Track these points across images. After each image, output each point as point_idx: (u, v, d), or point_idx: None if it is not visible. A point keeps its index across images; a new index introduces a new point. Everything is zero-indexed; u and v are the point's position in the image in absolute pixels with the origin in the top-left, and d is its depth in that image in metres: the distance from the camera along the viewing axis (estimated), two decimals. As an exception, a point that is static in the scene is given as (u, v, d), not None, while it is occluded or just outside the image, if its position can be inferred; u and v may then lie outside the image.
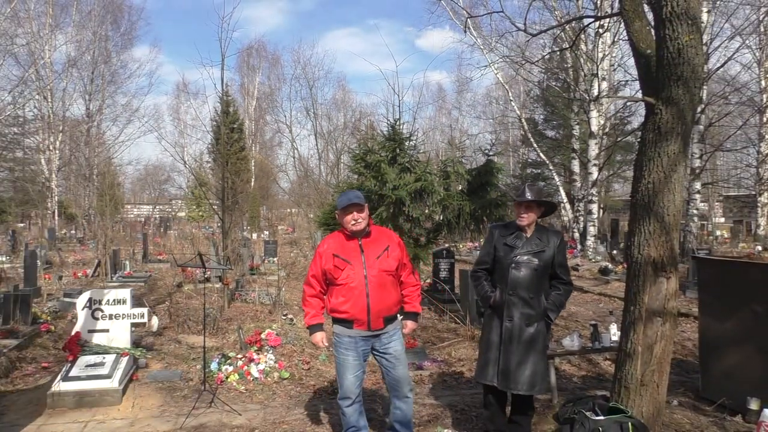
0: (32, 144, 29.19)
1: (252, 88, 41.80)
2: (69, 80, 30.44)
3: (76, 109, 35.56)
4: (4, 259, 15.92)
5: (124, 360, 5.90)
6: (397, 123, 8.75)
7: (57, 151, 29.10)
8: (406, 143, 8.66)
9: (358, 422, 4.07)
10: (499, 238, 4.14)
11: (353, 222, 3.90)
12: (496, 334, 4.02)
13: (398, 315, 4.11)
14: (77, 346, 5.90)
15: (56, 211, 28.47)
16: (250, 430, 4.75)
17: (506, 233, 4.14)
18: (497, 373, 3.97)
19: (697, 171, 16.32)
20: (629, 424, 3.99)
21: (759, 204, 21.76)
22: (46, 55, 28.55)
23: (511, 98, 23.47)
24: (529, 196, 3.99)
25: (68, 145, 31.13)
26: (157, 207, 39.21)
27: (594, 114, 17.83)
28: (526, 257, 4.00)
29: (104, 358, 5.84)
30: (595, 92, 17.63)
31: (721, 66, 16.47)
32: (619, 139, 21.52)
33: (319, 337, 4.04)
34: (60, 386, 5.35)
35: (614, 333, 5.47)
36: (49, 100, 29.00)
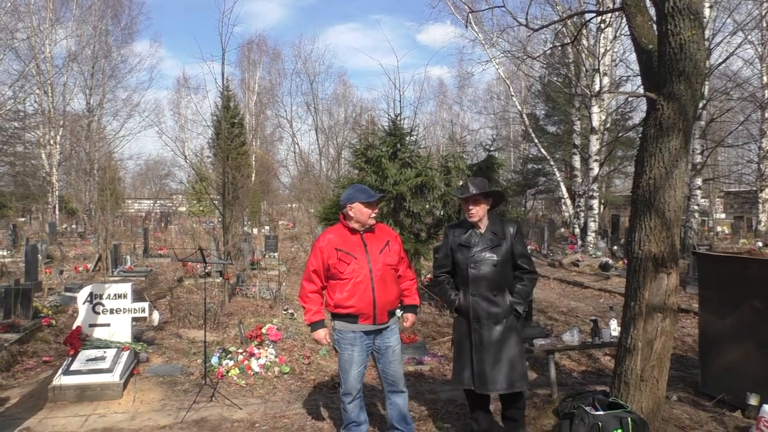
0: (33, 139, 29.17)
1: (253, 83, 41.77)
2: (69, 75, 30.49)
3: (76, 103, 35.62)
4: (5, 253, 15.94)
5: (125, 354, 5.92)
6: (398, 118, 8.75)
7: (57, 146, 29.10)
8: (407, 138, 8.66)
9: (359, 417, 4.09)
10: (453, 239, 4.02)
11: (374, 216, 3.94)
12: (467, 336, 3.92)
13: (397, 310, 4.12)
14: (78, 340, 5.92)
15: (57, 205, 28.47)
16: (251, 424, 4.76)
17: (460, 233, 4.01)
18: (473, 376, 3.87)
19: (698, 167, 16.30)
20: (629, 419, 4.00)
21: (760, 200, 21.73)
22: (47, 50, 28.52)
23: (513, 93, 23.43)
24: (473, 190, 3.87)
25: (69, 140, 31.13)
26: (158, 202, 39.19)
27: (595, 109, 17.80)
28: (483, 254, 3.88)
29: (105, 352, 5.85)
30: (597, 87, 17.59)
31: (723, 61, 16.42)
32: (620, 134, 21.50)
33: (323, 333, 4.03)
34: (61, 380, 5.37)
35: (614, 328, 5.48)
36: (50, 94, 28.99)
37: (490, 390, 3.85)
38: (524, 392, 4.18)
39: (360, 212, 3.93)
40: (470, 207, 3.92)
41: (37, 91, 28.06)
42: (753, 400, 4.51)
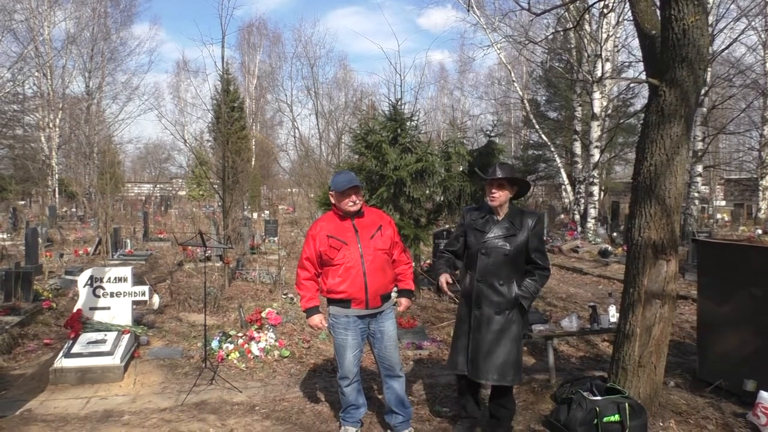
0: (32, 121, 29.07)
1: (252, 67, 41.51)
2: (68, 57, 30.27)
3: (75, 86, 35.43)
4: (5, 236, 15.95)
5: (126, 337, 5.94)
6: (399, 103, 8.71)
7: (57, 129, 28.98)
8: (408, 123, 8.63)
9: (357, 400, 4.12)
10: (470, 222, 3.98)
11: (351, 204, 3.91)
12: (466, 322, 3.91)
13: (392, 294, 4.13)
14: (79, 323, 5.94)
15: (57, 189, 28.44)
16: (251, 407, 4.79)
17: (477, 217, 3.97)
18: (467, 361, 3.86)
19: (699, 154, 16.27)
20: (626, 404, 4.04)
21: (760, 187, 21.73)
22: (45, 32, 28.33)
23: (514, 79, 23.32)
24: (499, 173, 3.81)
25: (68, 123, 31.00)
26: (158, 186, 39.13)
27: (597, 95, 17.73)
28: (496, 242, 3.82)
29: (106, 335, 5.88)
30: (599, 73, 17.50)
31: (726, 48, 16.34)
32: (621, 121, 21.40)
33: (317, 319, 4.06)
34: (62, 363, 5.40)
35: (613, 315, 5.50)
36: (49, 77, 28.83)
37: (481, 379, 3.83)
38: (514, 401, 4.16)
39: (337, 200, 3.96)
40: (493, 191, 3.86)
41: (36, 74, 27.88)
42: (750, 386, 4.54)
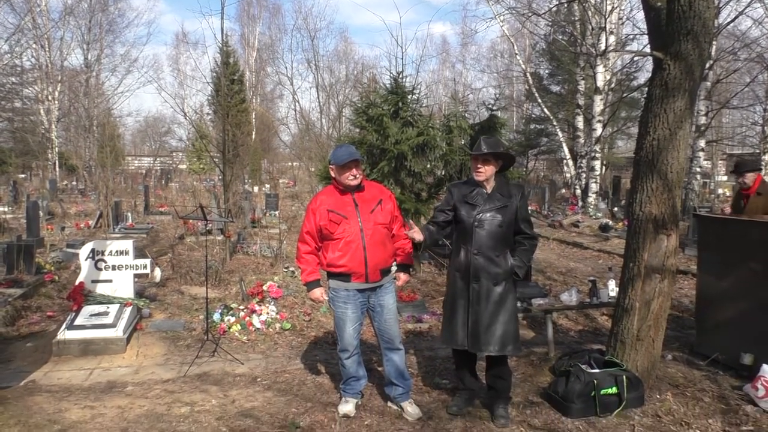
0: (31, 94, 28.87)
1: (252, 39, 41.01)
2: (66, 29, 29.96)
3: (74, 58, 35.08)
4: (6, 209, 15.98)
5: (128, 310, 5.99)
6: (400, 76, 8.63)
7: (56, 102, 28.80)
8: (409, 97, 8.57)
9: (357, 372, 4.17)
10: (459, 197, 3.95)
11: (351, 177, 3.90)
12: (463, 296, 3.91)
13: (392, 268, 4.14)
14: (81, 296, 5.98)
15: (57, 162, 28.38)
16: (253, 379, 4.84)
17: (466, 191, 3.95)
18: (467, 335, 3.87)
19: (702, 128, 16.16)
20: (624, 377, 4.08)
21: (763, 162, 21.64)
22: (42, 3, 27.98)
23: (517, 52, 23.08)
24: (485, 148, 3.82)
25: (67, 96, 30.78)
26: (158, 159, 39.04)
27: (600, 69, 17.55)
28: (489, 215, 3.83)
29: (108, 307, 5.92)
30: (603, 46, 17.28)
31: (732, 21, 16.07)
32: (624, 95, 21.22)
33: (318, 292, 4.09)
34: (65, 335, 5.45)
35: (612, 289, 5.52)
36: (47, 49, 28.56)
37: (482, 351, 3.85)
38: (511, 372, 4.18)
39: (337, 174, 3.95)
40: (479, 165, 3.87)
41: (34, 46, 27.59)
42: (747, 360, 4.58)
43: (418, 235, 3.77)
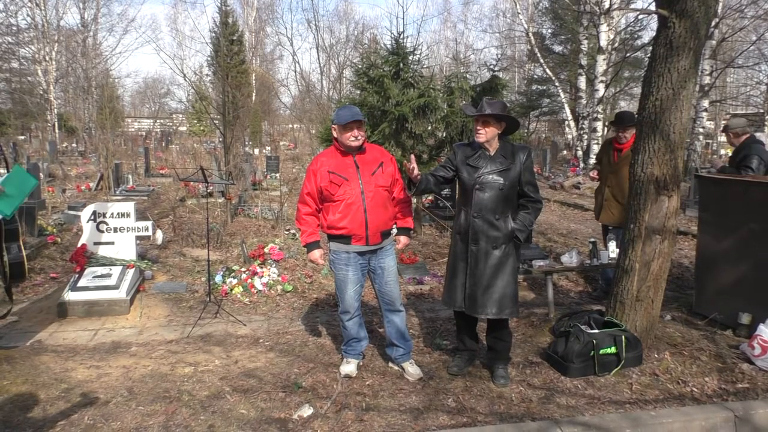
0: (27, 54, 28.50)
1: (251, -2, 40.27)
2: (61, -15, 29.36)
3: (70, 17, 34.48)
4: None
5: (131, 272, 6.03)
6: (401, 37, 8.49)
7: (53, 62, 28.45)
8: (410, 58, 8.44)
9: (358, 333, 4.21)
10: (462, 159, 3.92)
11: (353, 138, 3.86)
12: (462, 258, 3.91)
13: (392, 231, 4.15)
14: (84, 258, 6.01)
15: (56, 124, 28.20)
16: (255, 340, 4.91)
17: (470, 153, 3.91)
18: (465, 297, 3.89)
19: (706, 88, 15.98)
20: (623, 337, 4.13)
21: (766, 122, 21.46)
22: (36, -41, 27.38)
23: (519, 11, 22.71)
24: (486, 110, 3.75)
25: (64, 56, 30.41)
26: (158, 121, 38.79)
27: (604, 28, 17.27)
28: (490, 177, 3.79)
29: (111, 269, 5.96)
30: (606, 5, 16.98)
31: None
32: (628, 54, 20.92)
33: (318, 254, 4.09)
34: (69, 296, 5.50)
35: (612, 250, 5.54)
36: (42, 7, 28.06)
37: (479, 313, 3.87)
38: (511, 333, 4.19)
39: (339, 134, 3.91)
40: (479, 127, 3.82)
41: (29, 4, 27.13)
42: (745, 319, 4.63)
43: (417, 170, 3.74)
